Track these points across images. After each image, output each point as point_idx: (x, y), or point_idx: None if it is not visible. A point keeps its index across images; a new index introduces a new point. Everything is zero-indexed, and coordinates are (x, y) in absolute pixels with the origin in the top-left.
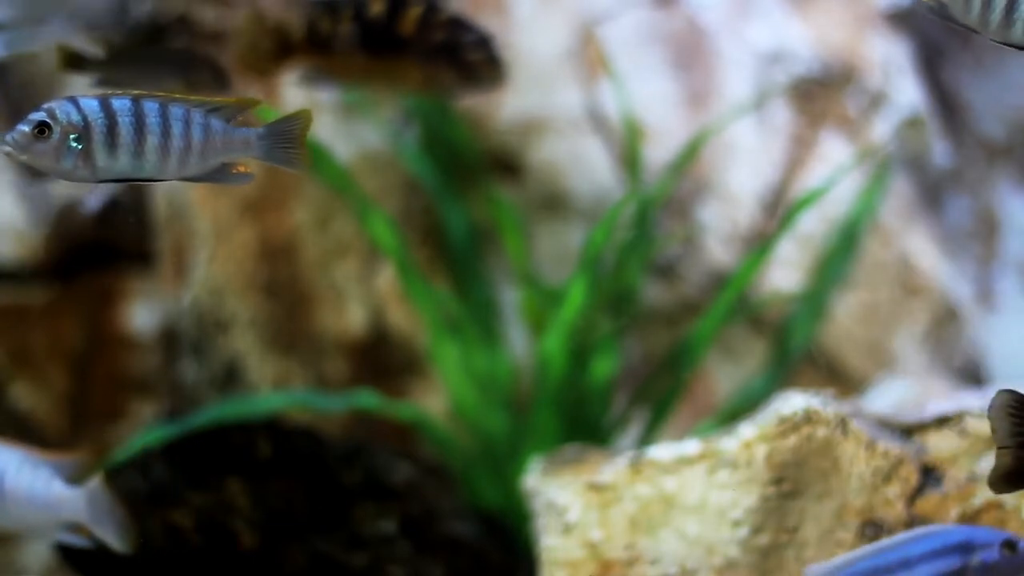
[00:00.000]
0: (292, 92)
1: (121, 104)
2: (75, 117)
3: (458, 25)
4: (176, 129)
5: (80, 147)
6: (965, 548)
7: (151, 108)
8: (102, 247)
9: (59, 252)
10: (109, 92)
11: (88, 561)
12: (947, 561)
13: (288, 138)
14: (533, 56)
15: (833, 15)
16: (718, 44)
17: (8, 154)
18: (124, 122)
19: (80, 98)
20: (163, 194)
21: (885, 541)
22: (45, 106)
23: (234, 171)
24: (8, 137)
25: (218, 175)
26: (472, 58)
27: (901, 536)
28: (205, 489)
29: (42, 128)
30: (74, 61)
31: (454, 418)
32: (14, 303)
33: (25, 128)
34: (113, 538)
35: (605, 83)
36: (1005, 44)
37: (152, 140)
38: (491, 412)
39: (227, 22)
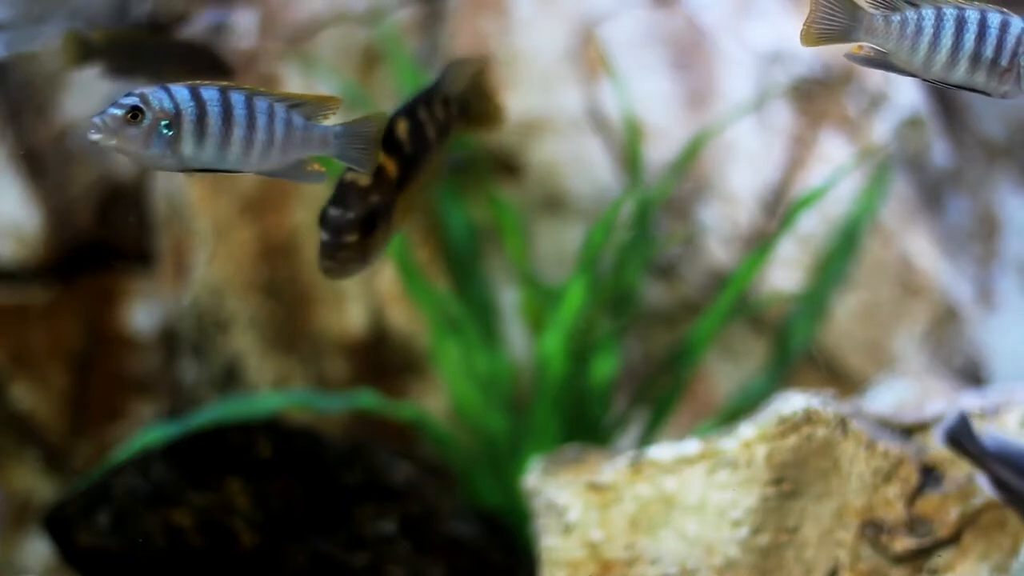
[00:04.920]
0: (292, 89)
1: (210, 94)
2: (167, 104)
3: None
4: (261, 122)
5: (170, 134)
6: None
7: (238, 100)
8: (102, 247)
9: (59, 252)
10: (197, 82)
11: (88, 561)
12: None
13: (363, 139)
14: (533, 56)
15: None
16: (718, 44)
17: (97, 138)
18: (213, 112)
19: (171, 86)
20: (163, 193)
21: None
22: (137, 91)
23: (308, 168)
24: (97, 120)
25: (294, 171)
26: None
27: None
28: (205, 489)
29: (135, 112)
30: (82, 49)
31: (454, 418)
32: (14, 303)
33: (117, 112)
34: None
35: (605, 83)
36: (947, 85)
37: (238, 132)
38: (491, 412)
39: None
